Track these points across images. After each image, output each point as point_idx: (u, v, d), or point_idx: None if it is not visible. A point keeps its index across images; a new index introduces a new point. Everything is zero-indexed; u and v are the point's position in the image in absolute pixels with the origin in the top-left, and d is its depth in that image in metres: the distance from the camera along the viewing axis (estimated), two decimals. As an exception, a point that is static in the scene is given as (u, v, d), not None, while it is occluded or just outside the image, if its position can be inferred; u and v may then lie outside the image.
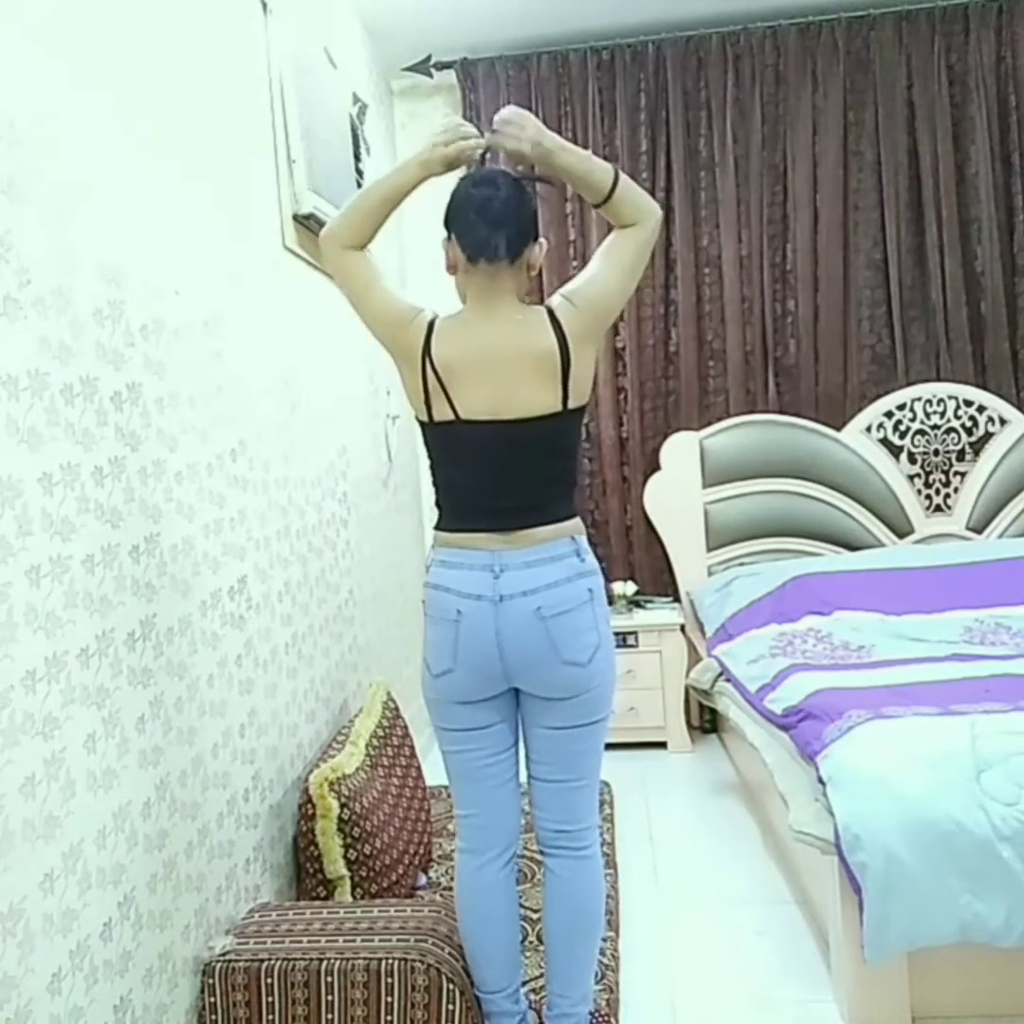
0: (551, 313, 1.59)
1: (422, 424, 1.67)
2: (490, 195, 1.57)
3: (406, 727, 2.62)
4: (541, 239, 1.66)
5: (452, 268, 1.66)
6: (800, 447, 3.74)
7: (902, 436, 3.74)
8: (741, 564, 3.68)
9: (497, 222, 1.56)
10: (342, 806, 2.01)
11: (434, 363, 1.58)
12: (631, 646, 3.54)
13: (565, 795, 1.66)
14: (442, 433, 1.63)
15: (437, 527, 1.68)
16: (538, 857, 1.77)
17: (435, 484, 1.69)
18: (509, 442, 1.58)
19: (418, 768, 2.56)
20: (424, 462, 1.70)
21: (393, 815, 2.22)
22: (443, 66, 3.80)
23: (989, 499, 3.71)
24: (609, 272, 1.62)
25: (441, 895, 2.25)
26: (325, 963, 1.63)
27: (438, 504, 1.69)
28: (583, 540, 1.64)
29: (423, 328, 1.61)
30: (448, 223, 1.63)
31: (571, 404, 1.60)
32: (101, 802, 1.38)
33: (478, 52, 3.79)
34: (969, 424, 3.71)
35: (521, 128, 1.57)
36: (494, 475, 1.60)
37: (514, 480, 1.59)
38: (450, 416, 1.59)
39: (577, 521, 1.65)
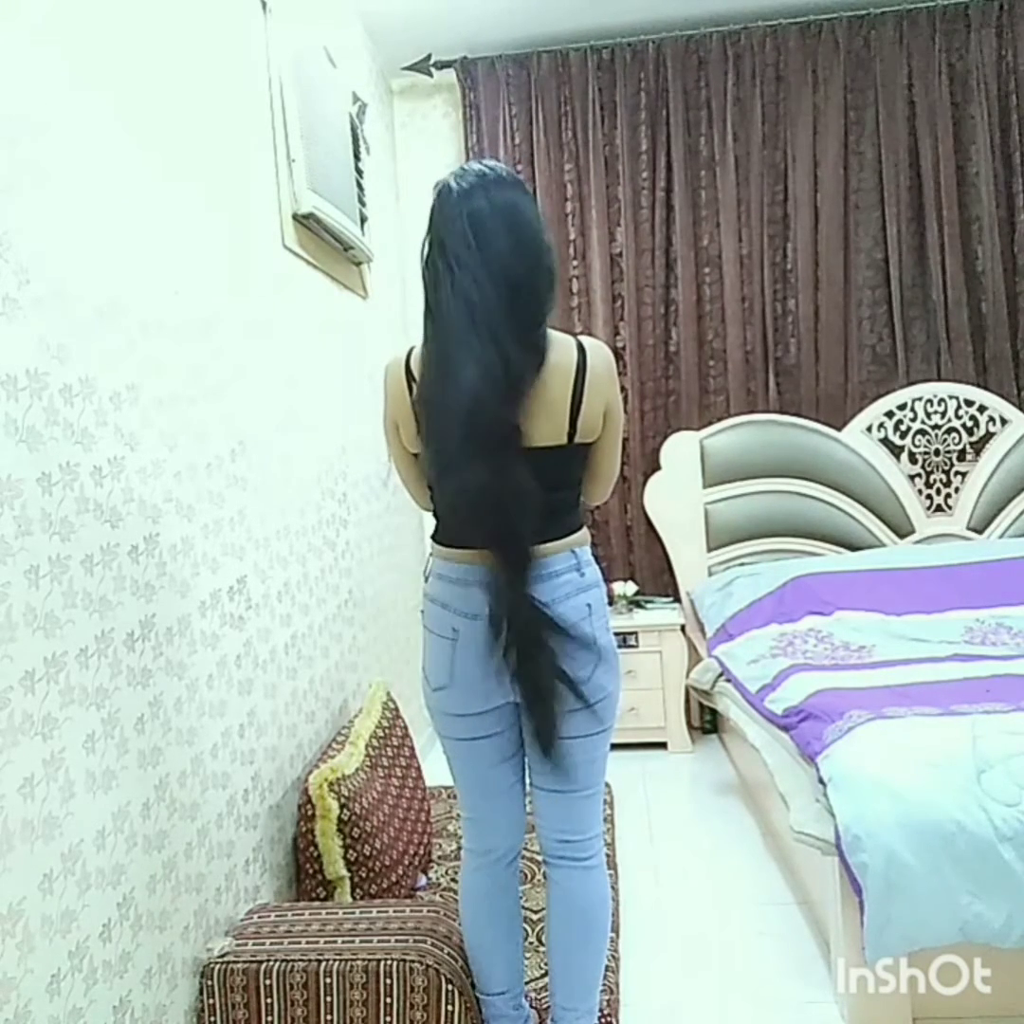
0: (581, 348, 1.51)
1: (417, 454, 1.60)
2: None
3: (406, 727, 2.61)
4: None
5: None
6: (800, 447, 3.73)
7: (903, 436, 3.74)
8: (741, 564, 3.68)
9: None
10: (342, 807, 2.00)
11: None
12: (631, 646, 3.54)
13: (568, 805, 1.62)
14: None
15: (434, 537, 1.62)
16: (538, 857, 1.76)
17: (432, 499, 1.64)
18: None
19: (418, 768, 2.56)
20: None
21: (393, 816, 2.22)
22: (443, 65, 3.80)
23: (990, 499, 3.70)
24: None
25: (441, 895, 2.25)
26: (324, 964, 1.63)
27: (435, 514, 1.64)
28: (585, 552, 1.58)
29: (401, 365, 1.55)
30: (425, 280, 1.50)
31: (578, 439, 1.52)
32: (100, 803, 1.38)
33: (478, 51, 3.79)
34: (970, 424, 3.71)
35: None
36: None
37: None
38: None
39: (581, 532, 1.58)
